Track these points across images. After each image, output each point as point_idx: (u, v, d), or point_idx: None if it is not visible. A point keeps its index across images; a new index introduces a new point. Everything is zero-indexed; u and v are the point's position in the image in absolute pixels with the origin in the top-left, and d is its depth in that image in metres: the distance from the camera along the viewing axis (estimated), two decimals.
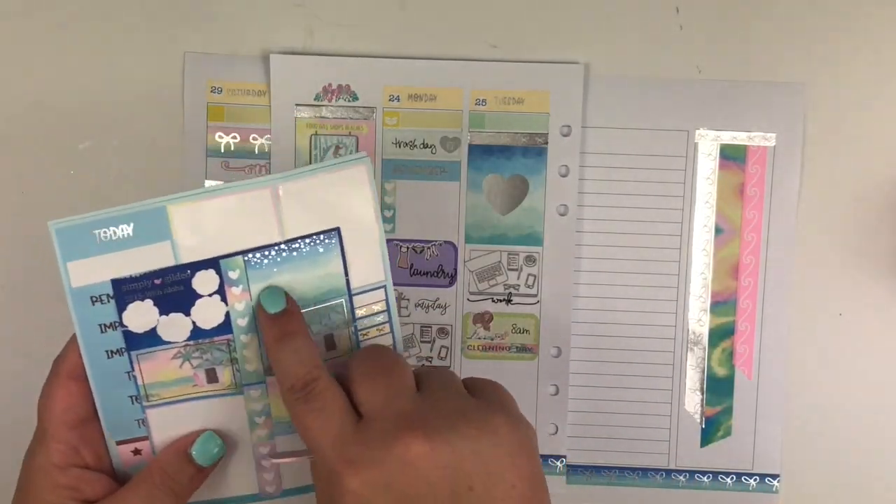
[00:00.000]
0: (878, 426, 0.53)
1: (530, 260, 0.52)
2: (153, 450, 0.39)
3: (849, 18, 0.52)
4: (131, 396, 0.38)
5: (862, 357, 0.53)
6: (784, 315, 0.52)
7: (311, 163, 0.52)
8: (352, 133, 0.52)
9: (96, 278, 0.37)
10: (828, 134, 0.52)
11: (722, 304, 0.53)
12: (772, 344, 0.52)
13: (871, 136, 0.52)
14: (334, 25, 0.52)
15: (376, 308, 0.39)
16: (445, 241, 0.52)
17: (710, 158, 0.52)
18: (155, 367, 0.38)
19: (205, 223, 0.37)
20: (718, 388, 0.53)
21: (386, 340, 0.40)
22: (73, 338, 0.38)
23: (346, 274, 0.38)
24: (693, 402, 0.53)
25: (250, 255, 0.38)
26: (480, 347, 0.52)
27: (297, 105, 0.51)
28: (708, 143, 0.52)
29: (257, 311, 0.38)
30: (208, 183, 0.52)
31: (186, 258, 0.37)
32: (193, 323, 0.38)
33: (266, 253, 0.38)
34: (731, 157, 0.52)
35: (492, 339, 0.52)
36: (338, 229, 0.38)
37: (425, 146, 0.52)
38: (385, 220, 0.52)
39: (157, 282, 0.37)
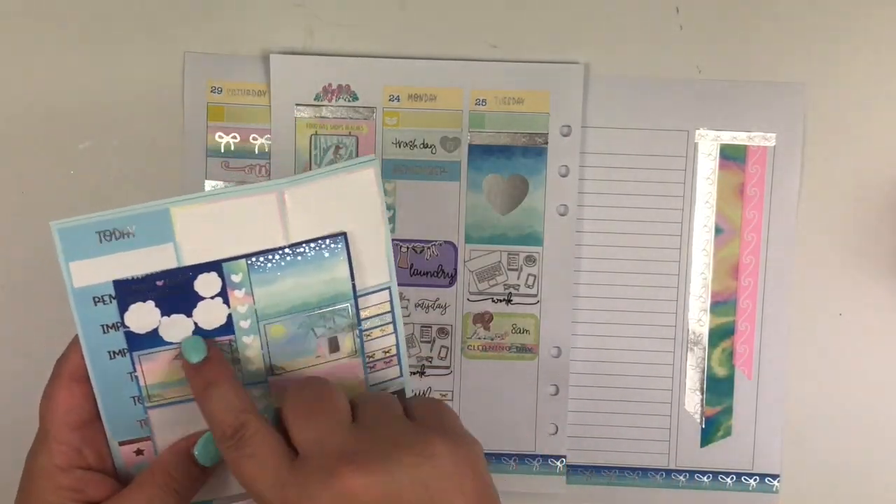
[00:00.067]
0: (878, 426, 0.53)
1: (530, 260, 0.52)
2: (155, 450, 0.39)
3: (849, 18, 0.52)
4: (133, 397, 0.38)
5: (862, 357, 0.53)
6: (784, 315, 0.52)
7: (311, 162, 0.52)
8: (352, 133, 0.52)
9: (98, 279, 0.37)
10: (828, 134, 0.52)
11: (722, 304, 0.53)
12: (772, 344, 0.52)
13: (871, 136, 0.52)
14: (334, 25, 0.52)
15: (380, 309, 0.40)
16: (445, 241, 0.52)
17: (710, 158, 0.52)
18: (157, 368, 0.38)
19: (208, 226, 0.37)
20: (718, 388, 0.53)
21: (389, 341, 0.40)
22: (75, 339, 0.37)
23: (353, 279, 0.38)
24: (693, 402, 0.53)
25: (253, 259, 0.38)
26: (480, 347, 0.52)
27: (297, 105, 0.51)
28: (708, 143, 0.52)
29: (182, 361, 0.38)
30: (208, 183, 0.52)
31: (189, 260, 0.37)
32: (195, 324, 0.38)
33: (270, 257, 0.38)
34: (731, 157, 0.52)
35: (492, 339, 0.52)
36: (344, 235, 0.38)
37: (425, 146, 0.52)
38: None
39: (160, 283, 0.37)
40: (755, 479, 0.53)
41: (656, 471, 0.53)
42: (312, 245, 0.38)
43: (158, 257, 0.37)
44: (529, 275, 0.52)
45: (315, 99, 0.51)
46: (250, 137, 0.52)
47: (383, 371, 0.41)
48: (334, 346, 0.39)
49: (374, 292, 0.39)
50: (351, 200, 0.38)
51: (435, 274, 0.52)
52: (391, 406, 0.36)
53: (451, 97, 0.52)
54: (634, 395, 0.53)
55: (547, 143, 0.52)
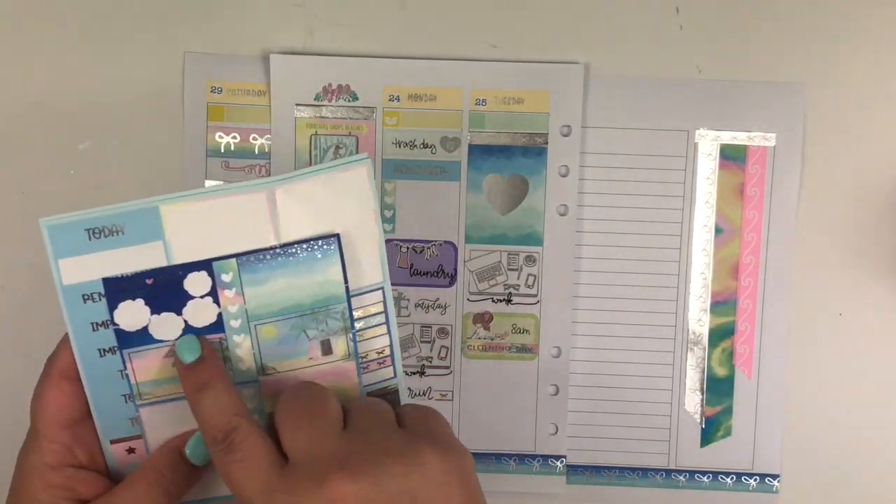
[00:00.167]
0: (878, 426, 0.53)
1: (530, 260, 0.52)
2: (147, 449, 0.39)
3: (849, 18, 0.52)
4: (124, 395, 0.38)
5: (862, 357, 0.53)
6: (784, 315, 0.52)
7: (311, 162, 0.52)
8: (352, 133, 0.52)
9: (88, 276, 0.36)
10: (828, 134, 0.52)
11: (722, 304, 0.53)
12: (772, 344, 0.52)
13: (871, 136, 0.52)
14: (334, 25, 0.52)
15: (374, 310, 0.39)
16: (445, 241, 0.52)
17: (710, 158, 0.52)
18: (148, 366, 0.38)
19: (198, 224, 0.37)
20: (718, 388, 0.53)
21: (383, 341, 0.40)
22: (65, 337, 0.37)
23: (346, 281, 0.38)
24: (693, 402, 0.53)
25: (244, 258, 0.37)
26: (480, 347, 0.52)
27: (297, 105, 0.51)
28: (708, 143, 0.52)
29: (175, 361, 0.37)
30: (208, 183, 0.52)
31: (178, 259, 0.37)
32: (185, 322, 0.38)
33: (260, 256, 0.37)
34: (731, 157, 0.52)
35: (492, 339, 0.52)
36: (337, 236, 0.38)
37: (425, 146, 0.52)
38: (385, 220, 0.52)
39: (149, 282, 0.37)
40: (755, 480, 0.53)
41: (656, 471, 0.53)
42: (305, 246, 0.37)
43: (148, 255, 0.37)
44: (529, 275, 0.52)
45: (315, 99, 0.52)
46: (250, 137, 0.52)
47: (377, 372, 0.40)
48: (327, 348, 0.39)
49: (367, 292, 0.39)
50: (343, 199, 0.38)
51: (435, 274, 0.52)
52: (383, 413, 0.36)
53: (451, 97, 0.52)
54: (634, 395, 0.53)
55: (547, 143, 0.52)
